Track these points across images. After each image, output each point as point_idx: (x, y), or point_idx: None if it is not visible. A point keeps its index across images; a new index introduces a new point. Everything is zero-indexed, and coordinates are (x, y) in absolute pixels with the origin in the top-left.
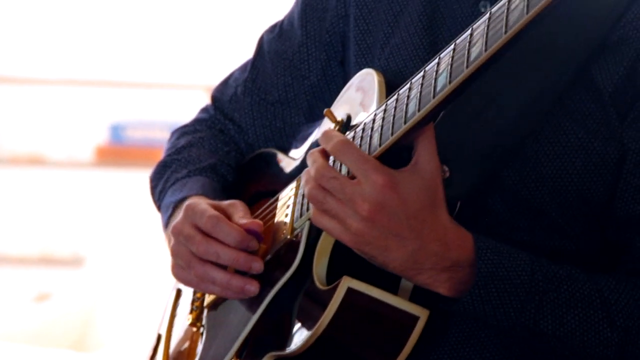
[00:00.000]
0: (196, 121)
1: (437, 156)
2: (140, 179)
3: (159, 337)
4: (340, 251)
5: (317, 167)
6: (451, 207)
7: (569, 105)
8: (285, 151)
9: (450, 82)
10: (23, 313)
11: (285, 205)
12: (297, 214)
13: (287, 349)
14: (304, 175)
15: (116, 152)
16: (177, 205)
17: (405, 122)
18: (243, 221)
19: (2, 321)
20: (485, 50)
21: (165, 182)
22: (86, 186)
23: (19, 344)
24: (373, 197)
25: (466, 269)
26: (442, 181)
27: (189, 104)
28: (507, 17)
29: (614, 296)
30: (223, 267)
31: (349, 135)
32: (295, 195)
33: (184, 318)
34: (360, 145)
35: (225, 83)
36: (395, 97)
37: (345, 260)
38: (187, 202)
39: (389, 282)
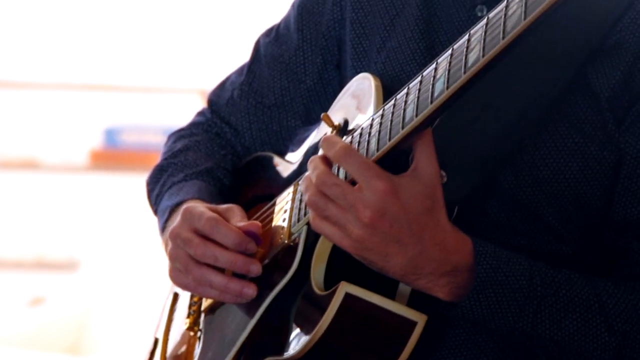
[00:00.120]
0: (193, 125)
1: (436, 161)
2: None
3: (156, 341)
4: (338, 256)
5: (318, 174)
6: (449, 212)
7: (566, 110)
8: (282, 154)
9: (447, 88)
10: (17, 317)
11: (283, 210)
12: (294, 218)
13: (285, 354)
14: (303, 182)
15: (111, 156)
16: (173, 209)
17: (402, 127)
18: (241, 224)
19: None
20: (483, 55)
21: (161, 186)
22: (81, 190)
23: (14, 348)
24: (374, 203)
25: (465, 274)
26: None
27: (184, 108)
28: (504, 22)
29: (611, 300)
30: (221, 271)
31: (347, 139)
32: (293, 199)
33: (181, 322)
34: (358, 150)
35: (221, 86)
36: (392, 102)
37: (343, 264)
38: (184, 206)
39: (387, 287)
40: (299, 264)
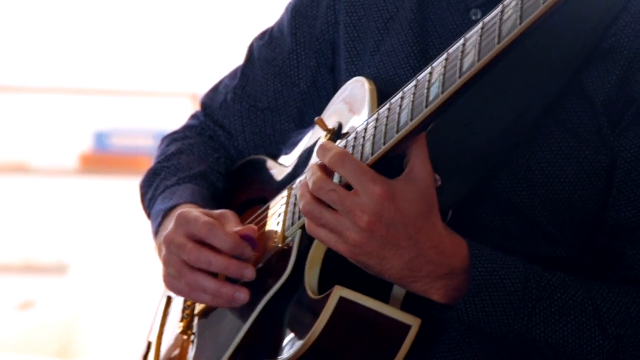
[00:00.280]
0: (186, 128)
1: (430, 165)
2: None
3: (149, 345)
4: (332, 260)
5: (315, 180)
6: (443, 216)
7: (561, 114)
8: (275, 158)
9: (443, 92)
10: (7, 321)
11: (277, 214)
12: (288, 222)
13: (279, 358)
14: (298, 190)
15: (101, 159)
16: (167, 213)
17: (398, 132)
18: (237, 229)
19: None
20: (478, 60)
21: (155, 189)
22: (71, 194)
23: (3, 352)
24: (371, 208)
25: (461, 276)
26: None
27: (174, 111)
28: (500, 27)
29: (606, 304)
30: (214, 276)
31: (341, 144)
32: (287, 203)
33: (174, 326)
34: (353, 154)
35: (215, 90)
36: (387, 106)
37: (337, 268)
38: (178, 211)
39: (381, 290)
40: (293, 268)
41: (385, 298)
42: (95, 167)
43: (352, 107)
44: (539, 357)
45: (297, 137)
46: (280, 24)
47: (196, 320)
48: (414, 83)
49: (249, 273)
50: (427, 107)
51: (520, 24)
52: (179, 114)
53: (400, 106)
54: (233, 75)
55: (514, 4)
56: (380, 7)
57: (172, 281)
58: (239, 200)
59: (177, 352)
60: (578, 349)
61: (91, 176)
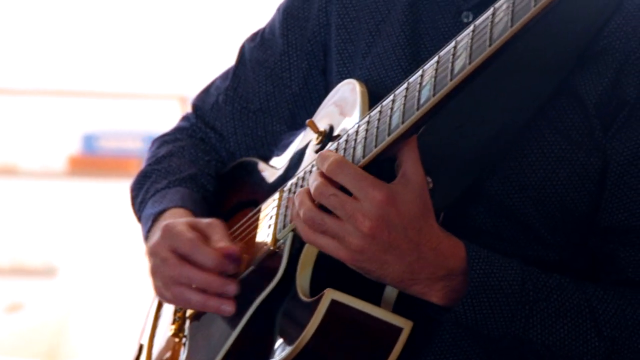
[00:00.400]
0: (177, 130)
1: (421, 167)
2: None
3: (140, 347)
4: (323, 262)
5: (317, 185)
6: (435, 218)
7: (553, 116)
8: (267, 159)
9: (434, 95)
10: None
11: (268, 216)
12: (280, 225)
13: None
14: (297, 197)
15: (89, 162)
16: (157, 217)
17: (389, 134)
18: (221, 244)
19: None
20: (470, 63)
21: (145, 192)
22: (59, 196)
23: None
24: (373, 212)
25: (459, 277)
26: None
27: (163, 114)
28: (491, 30)
29: (601, 306)
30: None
31: (332, 146)
32: (279, 206)
33: (166, 328)
34: (344, 156)
35: (206, 91)
36: (378, 108)
37: (328, 271)
38: (165, 222)
39: (372, 292)
40: (284, 271)
41: (376, 300)
42: (84, 170)
43: (343, 109)
44: (535, 358)
45: (289, 139)
46: (271, 25)
47: (187, 322)
48: (405, 85)
49: (231, 289)
50: (418, 109)
51: (511, 26)
52: (167, 116)
53: (392, 109)
54: (224, 76)
55: (505, 6)
56: (371, 9)
57: (160, 291)
58: (230, 202)
59: (168, 354)
60: (574, 350)
61: (79, 178)
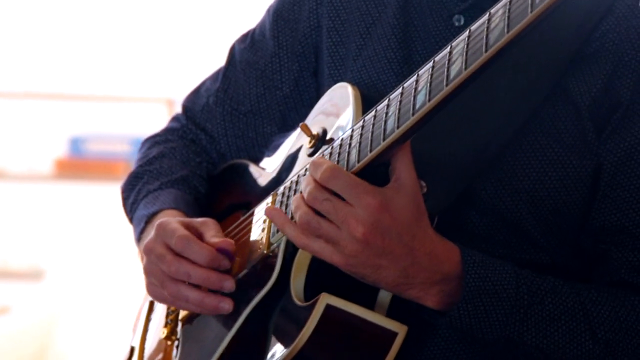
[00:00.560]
0: (167, 130)
1: (414, 171)
2: (100, 192)
3: (132, 350)
4: (317, 266)
5: (310, 190)
6: (429, 222)
7: (546, 120)
8: (257, 161)
9: (429, 100)
10: None
11: (262, 220)
12: (273, 229)
13: None
14: (294, 202)
15: (76, 165)
16: (149, 219)
17: (384, 139)
18: (214, 240)
19: None
20: (465, 68)
21: (137, 193)
22: (46, 199)
23: None
24: (366, 218)
25: (454, 281)
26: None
27: (150, 117)
28: (487, 35)
29: (595, 308)
30: (197, 285)
31: (326, 150)
32: None
33: (157, 331)
34: (338, 161)
35: (196, 92)
36: (373, 113)
37: (322, 275)
38: (158, 221)
39: (366, 296)
40: (278, 275)
41: (370, 304)
42: (71, 173)
43: (336, 112)
44: None
45: (280, 140)
46: (261, 26)
47: (180, 325)
48: (399, 90)
49: (228, 285)
50: (413, 114)
51: (508, 32)
52: (154, 119)
53: (386, 113)
54: (214, 77)
55: (500, 12)
56: (362, 11)
57: (155, 290)
58: (221, 205)
59: (160, 357)
60: (568, 353)
61: (66, 181)
